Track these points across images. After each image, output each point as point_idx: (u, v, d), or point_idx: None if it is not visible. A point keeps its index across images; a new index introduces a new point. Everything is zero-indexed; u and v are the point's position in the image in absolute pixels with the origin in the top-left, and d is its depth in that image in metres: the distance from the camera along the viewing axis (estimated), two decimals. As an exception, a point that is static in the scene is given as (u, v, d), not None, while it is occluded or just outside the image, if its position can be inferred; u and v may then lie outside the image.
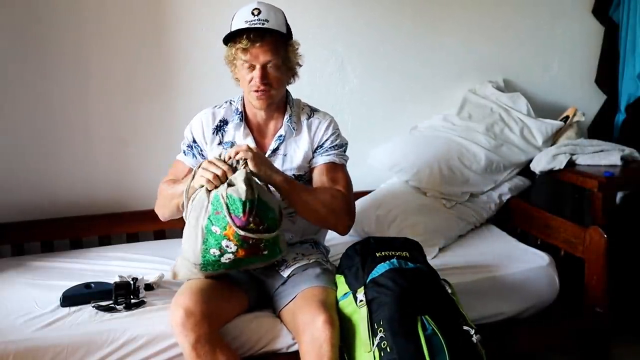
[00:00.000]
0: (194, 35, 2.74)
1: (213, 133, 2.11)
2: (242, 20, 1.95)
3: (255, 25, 1.93)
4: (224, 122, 2.11)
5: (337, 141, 2.11)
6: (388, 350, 1.74)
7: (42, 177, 2.68)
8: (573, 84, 3.22)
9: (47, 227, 2.38)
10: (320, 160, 2.09)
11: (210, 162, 1.87)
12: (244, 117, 2.10)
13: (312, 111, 2.15)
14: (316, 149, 2.10)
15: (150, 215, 2.66)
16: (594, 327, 2.36)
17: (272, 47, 1.95)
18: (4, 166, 2.64)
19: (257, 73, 1.96)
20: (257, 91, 1.98)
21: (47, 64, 2.63)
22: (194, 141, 2.12)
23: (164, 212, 2.13)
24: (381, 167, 2.87)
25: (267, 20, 1.93)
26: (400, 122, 3.01)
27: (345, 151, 2.14)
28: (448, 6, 3.03)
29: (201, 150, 2.13)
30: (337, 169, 2.09)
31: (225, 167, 1.83)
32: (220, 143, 2.11)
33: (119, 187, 2.76)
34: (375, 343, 1.76)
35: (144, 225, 2.50)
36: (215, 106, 2.14)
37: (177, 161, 2.18)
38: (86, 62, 2.67)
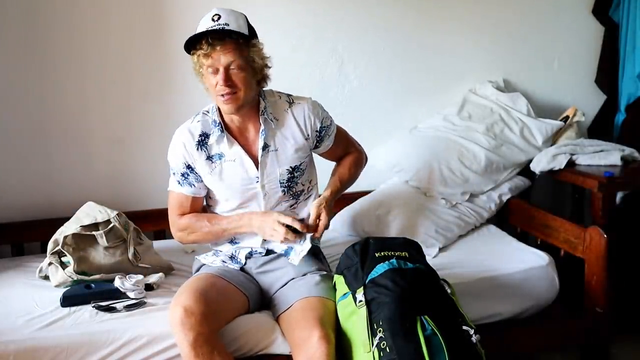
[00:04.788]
0: (192, 34, 2.73)
1: (197, 149, 2.05)
2: (203, 27, 1.93)
3: (214, 28, 1.91)
4: (205, 136, 2.05)
5: (327, 115, 2.16)
6: (387, 350, 1.73)
7: (42, 177, 2.68)
8: (573, 84, 3.22)
9: (47, 227, 2.38)
10: (329, 142, 2.19)
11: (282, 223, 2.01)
12: (224, 127, 2.06)
13: (289, 97, 2.12)
14: (317, 135, 2.12)
15: (150, 215, 2.69)
16: (594, 327, 2.36)
17: (233, 47, 1.92)
18: (3, 166, 2.64)
19: (220, 76, 1.93)
20: (223, 95, 1.95)
21: (45, 64, 2.63)
22: (188, 166, 2.06)
23: (193, 241, 2.20)
24: (381, 167, 2.87)
25: (227, 24, 1.91)
26: (400, 122, 3.01)
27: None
28: (448, 7, 3.03)
29: (197, 174, 2.08)
30: (339, 136, 2.24)
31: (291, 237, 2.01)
32: (208, 157, 2.06)
33: (119, 187, 2.76)
34: (375, 343, 1.76)
35: (144, 226, 2.50)
36: (190, 121, 2.08)
37: (174, 193, 2.12)
38: (84, 62, 2.67)
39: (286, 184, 2.09)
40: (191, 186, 2.10)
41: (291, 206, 2.14)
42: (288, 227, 2.00)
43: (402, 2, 2.96)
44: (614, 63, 3.15)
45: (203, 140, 2.05)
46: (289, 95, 2.13)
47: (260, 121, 2.05)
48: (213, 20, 1.93)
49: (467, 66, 3.09)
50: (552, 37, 3.17)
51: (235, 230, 2.09)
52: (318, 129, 2.11)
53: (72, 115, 2.69)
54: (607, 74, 3.18)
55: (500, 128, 2.91)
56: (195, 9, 2.72)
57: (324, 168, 2.30)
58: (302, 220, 2.06)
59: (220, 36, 1.91)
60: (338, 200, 2.21)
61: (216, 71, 1.94)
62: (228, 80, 1.93)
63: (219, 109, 2.06)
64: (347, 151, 2.28)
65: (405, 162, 2.81)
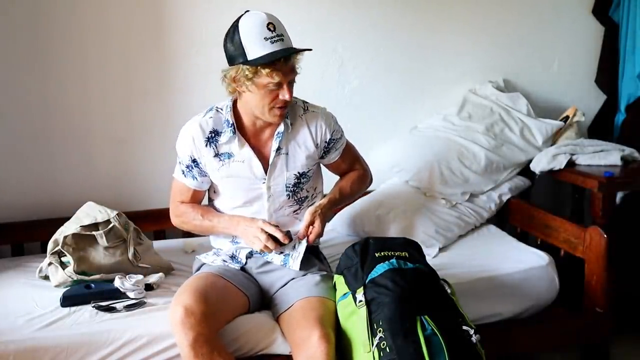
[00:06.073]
0: (192, 35, 2.73)
1: (206, 145, 2.04)
2: (259, 36, 1.88)
3: (278, 45, 1.89)
4: (215, 133, 2.05)
5: (339, 128, 2.18)
6: (387, 350, 1.74)
7: (42, 177, 2.69)
8: (573, 84, 3.22)
9: (47, 227, 2.38)
10: (336, 155, 2.20)
11: (264, 231, 1.99)
12: (237, 128, 2.05)
13: (305, 104, 2.14)
14: (326, 146, 2.13)
15: (151, 215, 2.69)
16: (594, 327, 2.36)
17: (295, 63, 1.97)
18: (3, 166, 2.64)
19: (286, 91, 1.93)
20: (281, 107, 1.98)
21: (47, 65, 2.63)
22: (193, 160, 2.07)
23: (187, 229, 2.23)
24: (381, 167, 2.86)
25: (282, 35, 1.91)
26: (400, 122, 3.01)
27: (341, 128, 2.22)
28: (448, 6, 3.03)
29: (201, 169, 2.09)
30: (347, 151, 2.24)
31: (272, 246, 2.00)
32: (216, 155, 2.06)
33: (119, 187, 2.76)
34: (375, 343, 1.76)
35: (144, 226, 2.50)
36: (202, 115, 2.08)
37: (177, 182, 2.16)
38: (85, 62, 2.67)
39: (291, 189, 2.10)
40: (194, 179, 2.11)
41: (295, 211, 2.14)
42: (271, 236, 2.00)
43: (402, 2, 2.96)
44: (614, 63, 3.15)
45: (213, 137, 2.05)
46: (304, 102, 2.15)
47: (280, 123, 2.06)
48: (269, 29, 1.89)
49: (467, 66, 3.09)
50: (552, 37, 3.17)
51: (222, 230, 2.11)
52: (327, 140, 2.13)
53: (74, 116, 2.69)
54: (607, 74, 3.18)
55: (500, 128, 2.91)
56: (195, 9, 2.73)
57: (331, 177, 2.30)
58: (287, 232, 2.04)
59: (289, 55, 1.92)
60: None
61: (279, 85, 1.94)
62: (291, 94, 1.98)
63: (233, 109, 2.06)
64: (352, 168, 2.29)
65: (405, 162, 2.81)
